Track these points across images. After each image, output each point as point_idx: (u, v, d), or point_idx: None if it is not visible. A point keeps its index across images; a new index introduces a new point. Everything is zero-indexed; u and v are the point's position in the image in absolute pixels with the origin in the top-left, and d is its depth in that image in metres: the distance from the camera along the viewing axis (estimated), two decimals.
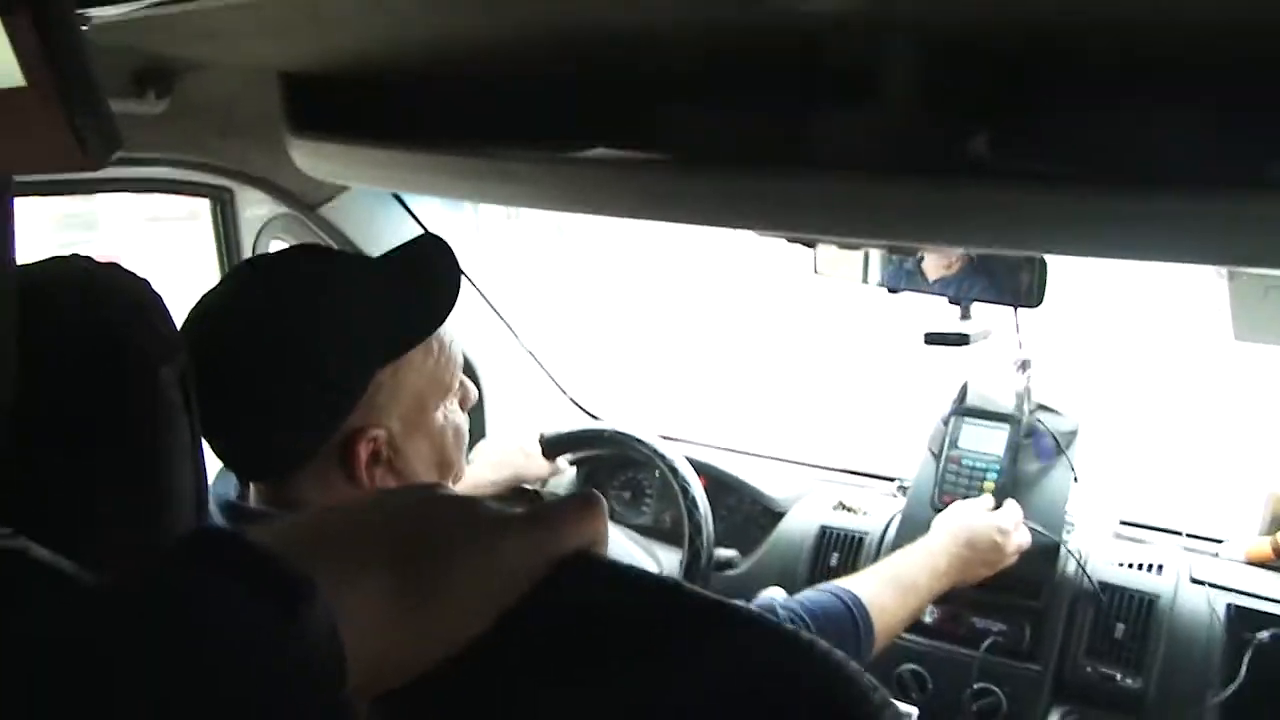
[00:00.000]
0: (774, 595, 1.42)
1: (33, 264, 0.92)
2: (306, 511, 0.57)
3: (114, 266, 0.95)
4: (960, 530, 1.62)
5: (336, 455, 1.13)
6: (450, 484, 1.23)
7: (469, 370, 2.22)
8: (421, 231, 2.01)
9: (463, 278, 1.22)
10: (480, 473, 1.91)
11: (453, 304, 1.20)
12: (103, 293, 0.92)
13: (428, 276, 1.21)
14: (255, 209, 1.85)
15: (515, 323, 2.32)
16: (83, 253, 0.96)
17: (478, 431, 2.28)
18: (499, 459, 1.96)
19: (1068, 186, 0.82)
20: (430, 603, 0.47)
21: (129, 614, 0.40)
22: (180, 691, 0.37)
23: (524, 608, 0.49)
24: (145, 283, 0.94)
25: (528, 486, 2.01)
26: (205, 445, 1.03)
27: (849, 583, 1.45)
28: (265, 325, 1.10)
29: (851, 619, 1.38)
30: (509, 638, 0.48)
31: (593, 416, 2.43)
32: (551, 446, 2.00)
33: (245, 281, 1.16)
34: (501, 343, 2.31)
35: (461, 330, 2.14)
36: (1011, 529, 1.64)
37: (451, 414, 1.23)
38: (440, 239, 1.25)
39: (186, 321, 1.11)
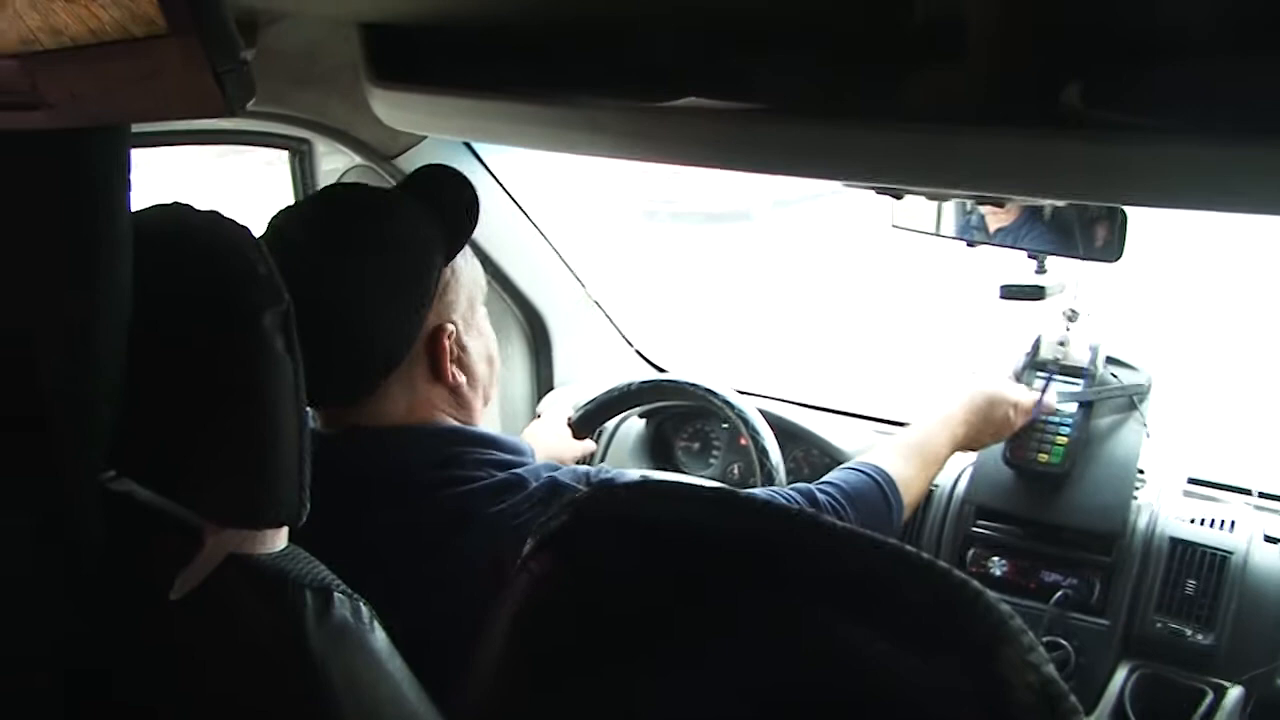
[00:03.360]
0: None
1: (135, 212, 0.93)
2: None
3: (214, 214, 0.97)
4: (979, 399, 1.65)
5: (423, 355, 1.25)
6: (494, 385, 1.37)
7: (537, 320, 2.24)
8: (494, 182, 2.05)
9: (475, 189, 1.32)
10: None
11: (478, 211, 1.32)
12: (205, 241, 0.95)
13: (454, 190, 1.32)
14: (332, 161, 1.88)
15: (584, 275, 2.33)
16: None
17: (546, 383, 2.31)
18: (531, 446, 1.96)
19: (1162, 137, 0.82)
20: None
21: None
22: None
23: None
24: (246, 230, 0.97)
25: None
26: None
27: (877, 458, 1.51)
28: (333, 253, 1.19)
29: (884, 497, 1.44)
30: None
31: (658, 369, 2.43)
32: (581, 424, 1.98)
33: (299, 220, 1.26)
34: (570, 294, 2.33)
35: (532, 282, 2.19)
36: (1025, 406, 1.69)
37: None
38: (444, 166, 1.37)
39: None
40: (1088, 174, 0.89)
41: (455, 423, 1.29)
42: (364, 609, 0.94)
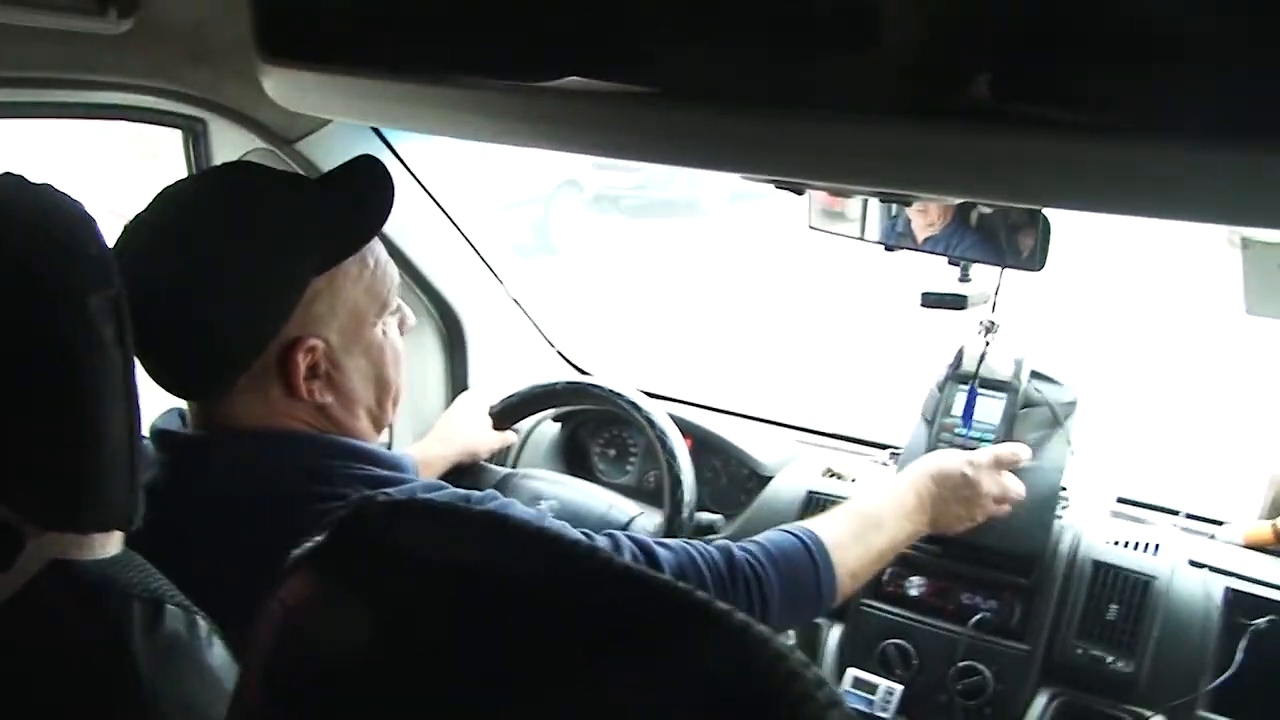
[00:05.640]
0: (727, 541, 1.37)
1: None
2: None
3: (46, 188, 0.90)
4: (928, 465, 1.54)
5: (275, 367, 1.14)
6: (389, 405, 1.26)
7: (452, 318, 2.16)
8: (406, 172, 1.96)
9: (395, 196, 1.23)
10: (429, 448, 1.87)
11: (385, 216, 1.22)
12: (32, 216, 0.88)
13: (361, 190, 1.23)
14: (231, 145, 1.78)
15: (502, 272, 2.25)
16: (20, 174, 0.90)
17: (460, 383, 2.24)
18: (447, 434, 1.93)
19: (1074, 134, 0.75)
20: None
21: None
22: None
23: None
24: (79, 205, 0.90)
25: (481, 459, 1.95)
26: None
27: (810, 523, 1.41)
28: (192, 237, 1.12)
29: (810, 559, 1.34)
30: None
31: (581, 371, 2.36)
32: (502, 416, 1.96)
33: (172, 198, 1.18)
34: (487, 292, 2.25)
35: (446, 278, 2.11)
36: (985, 463, 1.54)
37: (390, 333, 1.26)
38: (375, 159, 1.27)
39: (115, 244, 1.10)
40: (996, 170, 0.82)
41: (317, 432, 1.19)
42: (201, 623, 0.88)
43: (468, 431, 1.93)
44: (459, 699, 0.43)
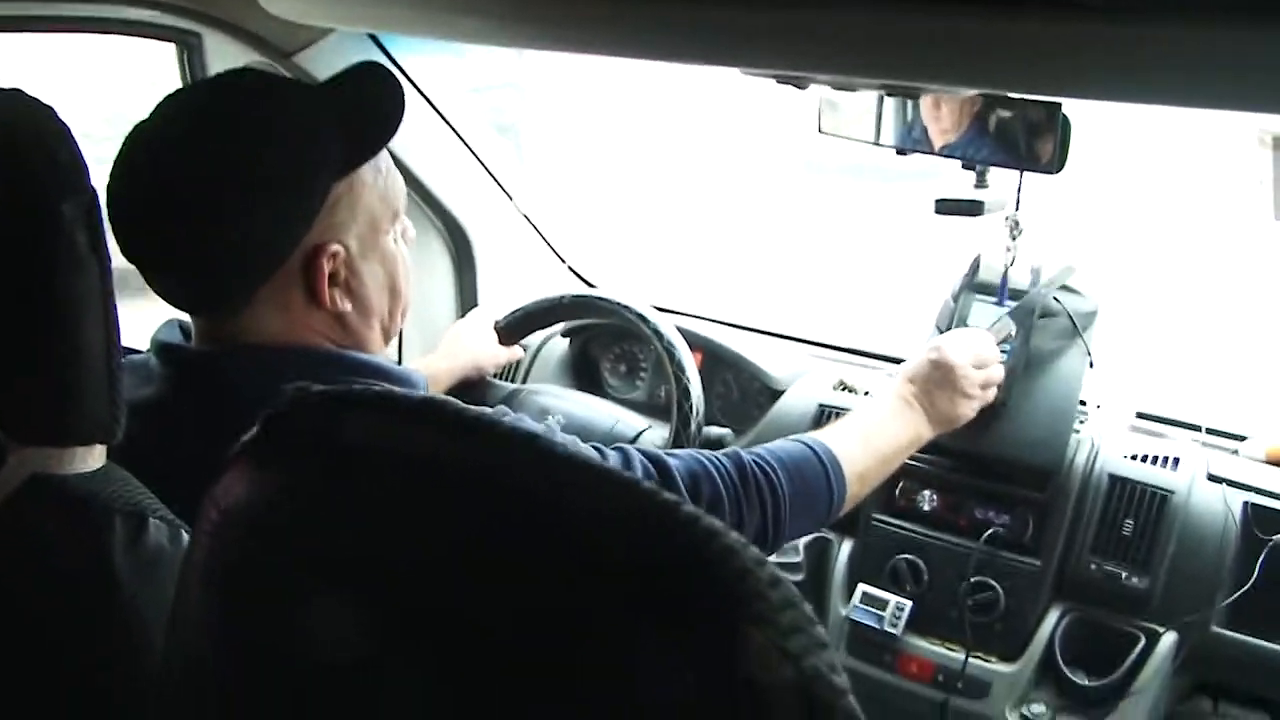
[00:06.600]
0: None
1: None
2: None
3: (15, 93, 0.87)
4: (900, 372, 1.55)
5: (299, 274, 1.11)
6: (399, 316, 1.25)
7: (460, 234, 2.13)
8: (410, 85, 1.92)
9: (406, 99, 1.20)
10: (435, 363, 1.86)
11: (399, 119, 1.19)
12: None
13: (372, 94, 1.19)
14: (226, 59, 1.74)
15: (510, 185, 2.21)
16: None
17: (469, 299, 2.21)
18: (453, 349, 1.91)
19: (1090, 17, 0.71)
20: None
21: None
22: None
23: None
24: (49, 110, 0.87)
25: (487, 375, 1.94)
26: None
27: (818, 433, 1.42)
28: (209, 144, 1.07)
29: (822, 467, 1.34)
30: None
31: (589, 284, 2.32)
32: (508, 331, 1.91)
33: (180, 106, 1.14)
34: (495, 205, 2.21)
35: (453, 192, 2.07)
36: (948, 345, 1.53)
37: (400, 242, 1.23)
38: (378, 64, 1.24)
39: (119, 153, 1.08)
40: (1011, 56, 0.78)
41: (336, 348, 1.17)
42: (186, 536, 0.86)
43: (474, 346, 1.91)
44: (406, 600, 0.40)
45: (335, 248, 1.12)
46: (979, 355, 1.55)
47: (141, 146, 1.09)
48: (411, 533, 0.40)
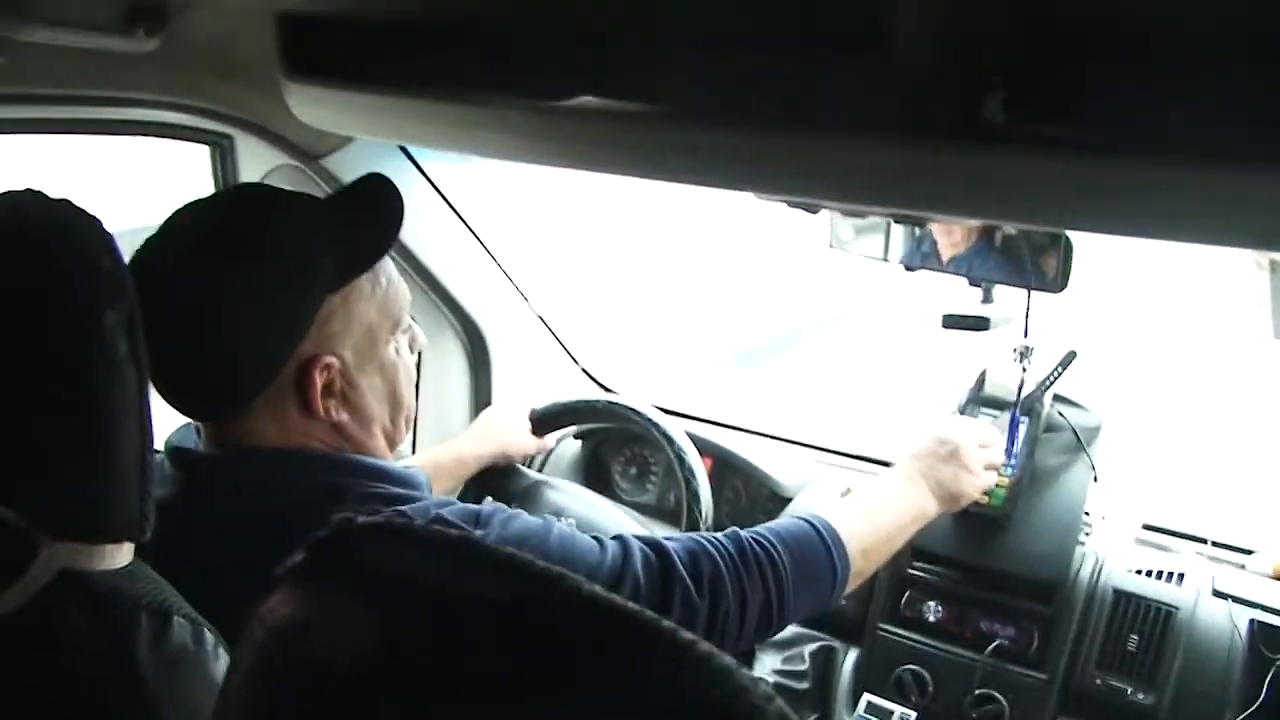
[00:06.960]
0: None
1: None
2: None
3: (64, 204, 0.91)
4: (904, 453, 1.55)
5: (292, 386, 1.15)
6: (402, 423, 1.27)
7: (476, 333, 2.17)
8: (430, 188, 1.97)
9: (404, 211, 1.24)
10: (464, 446, 1.88)
11: (395, 233, 1.23)
12: (47, 232, 0.89)
13: (371, 208, 1.23)
14: (257, 161, 1.80)
15: (526, 288, 2.25)
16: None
17: (484, 397, 2.24)
18: (485, 432, 1.93)
19: (1088, 154, 0.75)
20: None
21: None
22: None
23: None
24: (95, 221, 0.91)
25: (515, 462, 1.95)
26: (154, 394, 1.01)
27: (820, 510, 1.40)
28: (206, 260, 1.12)
29: (823, 545, 1.32)
30: None
31: (605, 388, 2.36)
32: (541, 422, 1.96)
33: (184, 221, 1.17)
34: (511, 307, 2.25)
35: (471, 293, 2.12)
36: (952, 424, 1.56)
37: (402, 351, 1.26)
38: (384, 177, 1.27)
39: (130, 264, 1.09)
40: (1009, 190, 0.82)
41: (335, 451, 1.20)
42: (209, 636, 0.89)
43: (505, 434, 1.92)
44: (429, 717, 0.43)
45: (329, 359, 1.15)
46: (983, 436, 1.56)
47: (144, 258, 1.13)
48: (445, 665, 0.42)
